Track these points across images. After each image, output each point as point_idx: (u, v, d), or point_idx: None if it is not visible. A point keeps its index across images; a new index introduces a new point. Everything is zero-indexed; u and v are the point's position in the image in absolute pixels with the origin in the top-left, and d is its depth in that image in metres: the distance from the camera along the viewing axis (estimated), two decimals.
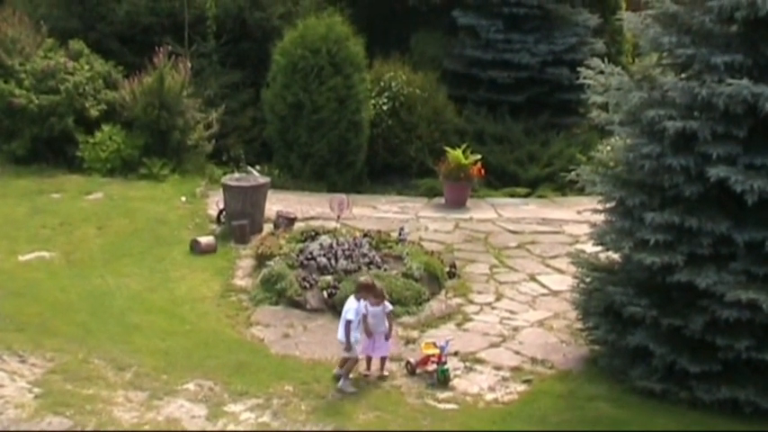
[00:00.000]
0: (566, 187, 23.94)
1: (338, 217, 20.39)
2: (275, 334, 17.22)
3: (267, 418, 14.48)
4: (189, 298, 18.44)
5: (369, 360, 15.86)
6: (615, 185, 16.06)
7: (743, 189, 14.42)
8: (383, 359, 15.87)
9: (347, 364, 15.48)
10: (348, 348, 15.39)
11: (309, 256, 18.90)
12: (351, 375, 15.49)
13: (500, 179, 26.03)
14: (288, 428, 14.27)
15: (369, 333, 15.54)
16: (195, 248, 20.29)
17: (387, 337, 15.76)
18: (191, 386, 15.19)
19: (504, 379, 16.01)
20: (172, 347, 16.47)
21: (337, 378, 15.48)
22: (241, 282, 19.19)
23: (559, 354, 16.91)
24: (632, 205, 15.54)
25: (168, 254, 20.24)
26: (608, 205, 16.51)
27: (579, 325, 17.12)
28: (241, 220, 21.07)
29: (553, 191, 25.52)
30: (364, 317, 15.48)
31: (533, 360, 16.64)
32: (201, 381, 15.33)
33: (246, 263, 19.94)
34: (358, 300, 15.50)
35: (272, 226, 21.40)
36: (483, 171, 24.47)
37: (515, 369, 16.33)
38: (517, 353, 16.89)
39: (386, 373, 15.80)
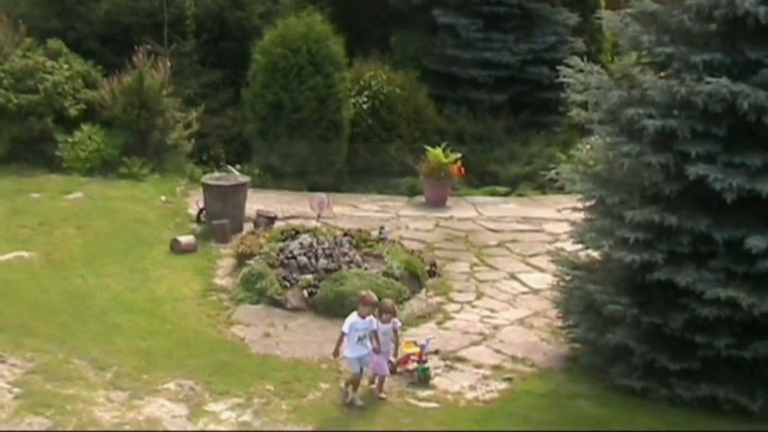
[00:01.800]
0: (546, 186, 23.96)
1: (318, 216, 20.37)
2: (256, 333, 17.19)
3: (248, 417, 14.44)
4: (169, 298, 18.39)
5: (375, 377, 15.36)
6: (595, 184, 16.10)
7: (722, 187, 14.45)
8: (382, 379, 15.30)
9: (349, 378, 15.10)
10: (351, 363, 15.02)
11: (290, 255, 18.88)
12: (359, 389, 15.05)
13: (480, 178, 26.08)
14: (269, 428, 14.25)
15: (377, 351, 15.03)
16: (175, 248, 20.24)
17: (394, 353, 15.54)
18: (171, 386, 15.13)
19: (485, 377, 16.02)
20: (152, 347, 16.41)
21: (344, 394, 15.12)
22: (221, 281, 19.15)
23: (540, 352, 16.95)
24: (612, 204, 15.58)
25: (148, 253, 20.17)
26: (588, 204, 16.57)
27: (560, 323, 17.18)
28: (221, 220, 21.05)
29: (533, 190, 25.58)
30: (374, 332, 15.02)
31: (514, 358, 16.66)
32: (182, 380, 15.27)
33: (227, 262, 19.90)
34: (362, 317, 14.94)
35: (252, 225, 21.40)
36: (463, 170, 24.49)
37: (496, 368, 16.35)
38: (498, 351, 16.90)
39: (383, 395, 15.24)
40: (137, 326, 17.21)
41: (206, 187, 21.66)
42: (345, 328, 14.92)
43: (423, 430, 14.37)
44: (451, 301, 18.80)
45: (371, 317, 15.00)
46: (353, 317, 14.97)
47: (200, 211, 21.79)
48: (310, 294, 17.94)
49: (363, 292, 15.44)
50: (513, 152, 26.81)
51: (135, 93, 25.03)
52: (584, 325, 16.06)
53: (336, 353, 15.16)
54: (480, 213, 23.71)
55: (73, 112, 25.40)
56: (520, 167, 26.30)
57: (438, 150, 24.23)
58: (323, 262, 18.66)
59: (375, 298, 15.20)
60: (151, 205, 22.82)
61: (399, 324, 15.66)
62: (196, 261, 19.99)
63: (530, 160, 26.44)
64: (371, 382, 15.35)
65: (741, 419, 14.75)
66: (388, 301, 15.59)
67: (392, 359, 15.68)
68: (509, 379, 16.00)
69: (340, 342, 15.03)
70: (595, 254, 16.60)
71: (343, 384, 15.22)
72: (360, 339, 14.88)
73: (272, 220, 21.42)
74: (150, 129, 25.12)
